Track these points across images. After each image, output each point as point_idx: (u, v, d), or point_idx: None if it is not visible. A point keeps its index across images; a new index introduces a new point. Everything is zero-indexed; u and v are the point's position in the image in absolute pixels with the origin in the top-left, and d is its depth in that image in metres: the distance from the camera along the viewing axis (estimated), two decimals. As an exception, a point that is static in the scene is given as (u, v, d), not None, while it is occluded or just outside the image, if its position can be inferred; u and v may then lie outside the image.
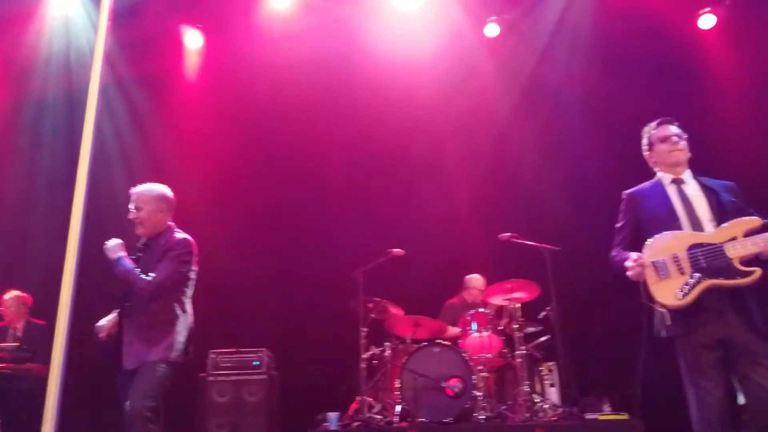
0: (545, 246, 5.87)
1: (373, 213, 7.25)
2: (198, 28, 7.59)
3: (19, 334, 6.13)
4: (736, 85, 6.93)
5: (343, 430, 5.35)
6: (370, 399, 5.71)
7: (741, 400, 3.02)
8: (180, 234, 3.91)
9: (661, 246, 3.12)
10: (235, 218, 7.31)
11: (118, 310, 3.83)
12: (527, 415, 5.25)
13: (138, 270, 3.72)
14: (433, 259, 6.91)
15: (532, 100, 7.42)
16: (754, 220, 3.06)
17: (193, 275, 3.89)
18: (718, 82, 7.03)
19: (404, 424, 5.23)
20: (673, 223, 3.18)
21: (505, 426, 5.23)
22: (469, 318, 5.98)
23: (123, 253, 3.79)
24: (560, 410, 5.34)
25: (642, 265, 3.10)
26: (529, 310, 5.96)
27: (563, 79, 7.32)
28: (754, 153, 6.40)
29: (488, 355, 5.66)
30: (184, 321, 3.78)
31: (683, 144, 3.39)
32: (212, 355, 6.10)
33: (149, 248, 3.89)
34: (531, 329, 5.93)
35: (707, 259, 3.01)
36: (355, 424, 5.32)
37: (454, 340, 5.95)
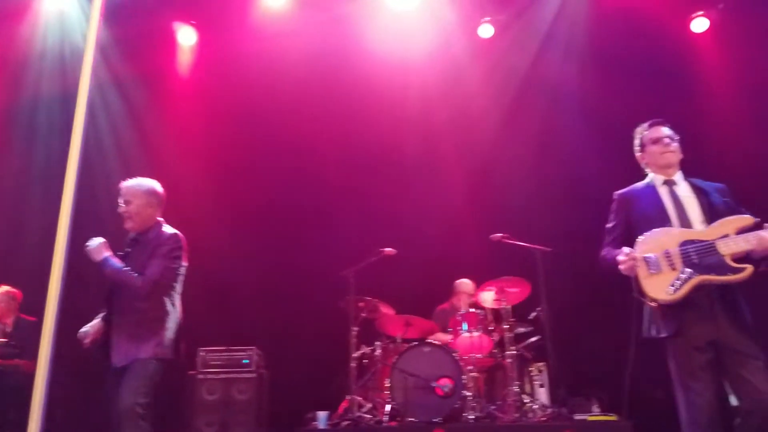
0: (536, 247, 5.89)
1: (366, 212, 7.23)
2: (192, 25, 7.57)
3: (8, 329, 6.09)
4: (727, 88, 6.96)
5: (332, 429, 5.34)
6: (359, 398, 5.70)
7: (733, 401, 3.03)
8: (169, 229, 3.89)
9: (653, 242, 3.13)
10: (227, 216, 7.30)
11: (102, 314, 3.79)
12: (516, 415, 5.27)
13: (128, 268, 3.68)
14: (424, 258, 6.92)
15: (526, 101, 7.43)
16: (747, 218, 3.07)
17: (182, 271, 3.87)
18: (710, 85, 7.08)
19: (394, 423, 5.23)
20: (664, 224, 3.19)
21: (494, 426, 5.23)
22: (459, 318, 5.98)
23: (108, 253, 3.73)
24: (549, 411, 5.35)
25: (634, 259, 3.10)
26: (520, 310, 5.98)
27: (557, 80, 7.35)
28: (745, 155, 6.45)
29: (478, 355, 5.67)
30: (174, 317, 3.76)
31: (675, 146, 3.41)
32: (202, 353, 6.08)
33: (138, 243, 3.85)
34: (521, 330, 5.95)
35: (699, 256, 3.02)
36: (345, 423, 5.31)
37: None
